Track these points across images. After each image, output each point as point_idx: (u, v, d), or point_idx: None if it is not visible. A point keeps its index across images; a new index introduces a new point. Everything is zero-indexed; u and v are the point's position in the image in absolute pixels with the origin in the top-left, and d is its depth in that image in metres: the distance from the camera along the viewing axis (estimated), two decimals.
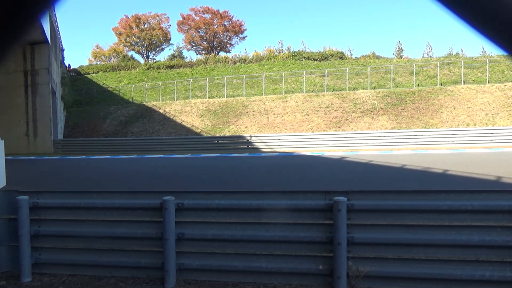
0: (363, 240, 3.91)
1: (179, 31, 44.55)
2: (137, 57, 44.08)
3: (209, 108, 26.52)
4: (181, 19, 43.86)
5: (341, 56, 31.23)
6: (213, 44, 43.86)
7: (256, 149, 21.14)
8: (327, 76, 27.47)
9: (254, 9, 68.45)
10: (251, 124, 24.25)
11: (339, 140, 20.13)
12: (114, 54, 43.89)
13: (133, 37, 43.64)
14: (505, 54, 0.49)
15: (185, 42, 44.49)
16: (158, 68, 34.99)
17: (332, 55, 31.12)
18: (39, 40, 22.06)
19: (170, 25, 45.74)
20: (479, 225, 3.69)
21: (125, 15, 46.83)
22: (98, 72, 35.69)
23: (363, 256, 3.92)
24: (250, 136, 22.05)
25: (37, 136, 24.16)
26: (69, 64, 36.21)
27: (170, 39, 45.37)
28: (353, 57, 31.97)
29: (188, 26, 43.67)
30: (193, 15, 43.59)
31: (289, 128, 23.28)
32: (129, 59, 40.43)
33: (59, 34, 30.75)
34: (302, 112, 24.06)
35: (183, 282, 4.17)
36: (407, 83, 25.53)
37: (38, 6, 0.42)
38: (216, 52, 41.99)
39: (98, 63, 41.83)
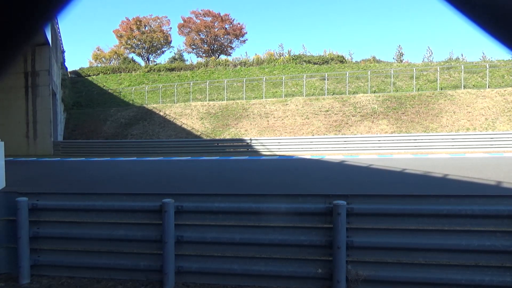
0: (363, 244, 3.91)
1: (180, 34, 44.72)
2: (138, 59, 44.23)
3: (209, 111, 26.55)
4: (182, 22, 44.00)
5: (341, 60, 31.30)
6: (213, 47, 43.96)
7: (256, 152, 21.14)
8: (328, 79, 27.52)
9: (254, 12, 68.68)
10: (251, 127, 24.26)
11: (339, 144, 20.13)
12: (114, 56, 43.97)
13: (134, 39, 43.73)
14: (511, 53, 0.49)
15: (185, 45, 44.63)
16: (159, 70, 35.04)
17: (332, 59, 31.18)
18: (40, 41, 22.10)
19: (171, 27, 45.92)
20: (478, 230, 3.68)
21: (126, 17, 47.12)
22: (98, 74, 35.74)
23: (363, 260, 3.91)
24: (250, 139, 22.05)
25: (37, 137, 24.16)
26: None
27: (170, 42, 45.50)
28: (354, 61, 32.07)
29: (189, 29, 43.79)
30: (194, 18, 43.74)
31: (289, 131, 23.30)
32: (130, 62, 40.50)
33: (60, 36, 30.82)
34: (302, 116, 24.08)
35: (182, 285, 4.16)
36: (407, 87, 25.57)
37: (44, 14, 0.43)
38: (217, 55, 42.07)
39: (99, 65, 41.92)
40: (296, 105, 24.93)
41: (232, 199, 4.26)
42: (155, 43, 44.25)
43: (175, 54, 44.90)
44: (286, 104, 25.26)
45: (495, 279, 3.58)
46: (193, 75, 33.30)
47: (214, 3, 72.33)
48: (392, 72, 26.79)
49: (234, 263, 4.14)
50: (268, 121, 24.40)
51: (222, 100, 27.83)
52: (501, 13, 0.42)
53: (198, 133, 24.99)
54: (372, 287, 3.84)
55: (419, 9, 68.18)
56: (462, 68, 25.03)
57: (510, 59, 24.93)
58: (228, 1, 64.70)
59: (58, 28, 28.74)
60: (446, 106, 22.15)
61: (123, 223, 4.39)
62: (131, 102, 30.82)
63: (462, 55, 40.52)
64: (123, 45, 44.20)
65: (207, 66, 34.33)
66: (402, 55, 33.08)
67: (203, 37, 43.71)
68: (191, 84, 30.50)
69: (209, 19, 43.43)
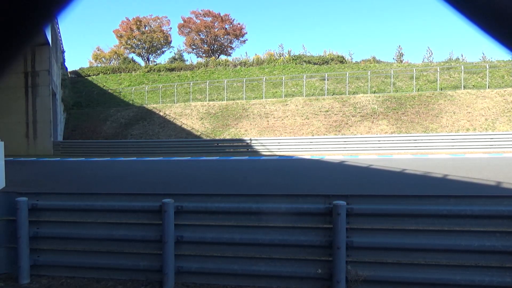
0: (362, 245, 3.91)
1: (180, 34, 44.75)
2: (138, 59, 44.25)
3: (209, 111, 26.55)
4: (182, 22, 44.02)
5: (341, 60, 31.31)
6: (213, 47, 43.97)
7: (256, 153, 21.14)
8: (327, 80, 27.52)
9: (255, 12, 68.71)
10: (251, 127, 24.26)
11: (339, 144, 20.14)
12: (114, 57, 43.99)
13: (134, 39, 43.75)
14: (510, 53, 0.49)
15: (185, 45, 44.66)
16: (159, 70, 35.05)
17: (332, 59, 31.19)
18: (40, 41, 22.10)
19: (171, 27, 45.96)
20: (478, 230, 3.68)
21: (126, 17, 47.17)
22: (98, 74, 35.76)
23: (362, 260, 3.91)
24: (250, 140, 22.06)
25: (37, 137, 24.16)
26: None
27: (170, 42, 45.53)
28: (354, 61, 32.06)
29: (189, 29, 43.80)
30: (194, 18, 43.75)
31: (289, 131, 23.30)
32: (130, 62, 40.51)
33: (60, 36, 30.82)
34: (302, 116, 24.08)
35: (182, 285, 4.16)
36: (407, 87, 25.58)
37: (44, 15, 0.43)
38: (217, 55, 42.08)
39: (99, 65, 41.95)
40: (296, 105, 24.93)
41: (232, 199, 4.26)
42: (155, 43, 44.26)
43: (175, 54, 44.95)
44: (286, 104, 25.26)
45: (495, 279, 3.58)
46: (193, 75, 33.31)
47: (214, 3, 72.35)
48: (392, 73, 26.80)
49: (234, 263, 4.14)
50: (268, 121, 24.40)
51: (222, 100, 27.84)
52: (501, 14, 0.42)
53: (198, 133, 24.99)
54: (372, 287, 3.85)
55: (419, 10, 68.27)
56: (462, 69, 25.03)
57: (510, 59, 24.93)
58: (228, 1, 64.78)
59: (58, 28, 28.74)
60: (446, 106, 22.15)
61: (123, 223, 4.39)
62: (131, 102, 30.83)
63: (462, 55, 40.45)
64: (123, 45, 44.22)
65: (207, 66, 34.34)
66: (402, 56, 33.05)
67: (203, 37, 43.73)
68: (191, 84, 30.50)
69: (209, 19, 43.45)
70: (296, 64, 31.65)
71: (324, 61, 31.10)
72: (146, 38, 43.36)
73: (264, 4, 69.18)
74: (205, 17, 43.58)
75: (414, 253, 3.81)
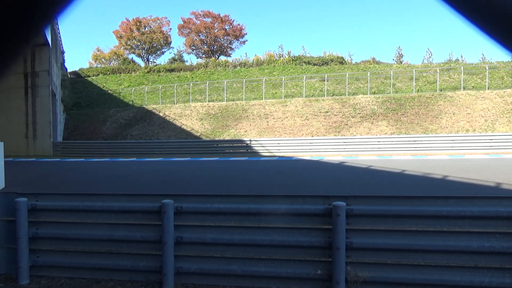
0: (362, 245, 3.91)
1: (179, 35, 44.68)
2: (138, 60, 44.19)
3: (209, 111, 26.54)
4: (182, 22, 43.99)
5: (341, 61, 31.31)
6: (213, 48, 43.95)
7: (256, 153, 21.14)
8: (327, 80, 27.53)
9: (254, 13, 68.74)
10: (250, 128, 24.26)
11: (339, 145, 20.14)
12: (114, 57, 43.95)
13: (134, 40, 43.72)
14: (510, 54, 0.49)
15: (185, 45, 44.61)
16: (158, 71, 35.05)
17: (332, 60, 31.20)
18: (40, 42, 22.11)
19: (170, 28, 45.91)
20: (478, 231, 3.68)
21: (126, 18, 47.10)
22: (98, 74, 35.74)
23: (362, 261, 3.91)
24: (250, 140, 22.05)
25: (36, 138, 24.15)
26: None
27: (170, 43, 45.48)
28: (353, 62, 32.05)
29: (188, 30, 43.78)
30: (194, 19, 43.73)
31: (288, 132, 23.30)
32: (130, 62, 40.49)
33: (60, 36, 30.82)
34: (301, 117, 24.09)
35: (181, 286, 4.16)
36: (407, 88, 25.59)
37: (44, 16, 0.43)
38: (217, 56, 42.08)
39: (99, 65, 41.90)
40: (296, 106, 24.94)
41: (232, 200, 4.26)
42: (155, 44, 44.23)
43: (174, 55, 44.91)
44: (286, 105, 25.27)
45: (495, 280, 3.58)
46: (192, 76, 33.31)
47: (214, 4, 72.37)
48: (391, 74, 26.81)
49: (234, 264, 4.14)
50: (267, 122, 24.40)
51: (222, 101, 27.84)
52: (500, 14, 0.42)
53: (198, 134, 24.98)
54: None
55: (419, 11, 68.36)
56: (462, 70, 25.05)
57: (510, 60, 24.96)
58: (228, 2, 64.84)
59: (58, 29, 28.74)
60: (445, 107, 22.16)
61: (123, 224, 4.39)
62: (130, 102, 30.82)
63: (461, 56, 40.52)
64: (123, 45, 44.19)
65: (206, 67, 34.34)
66: (401, 56, 33.07)
67: (203, 38, 43.70)
68: (191, 85, 30.50)
69: (209, 20, 43.42)
70: (295, 65, 31.66)
71: (323, 62, 31.11)
72: (146, 39, 43.33)
73: (264, 5, 69.29)
74: (205, 18, 43.57)
75: (413, 254, 3.81)
